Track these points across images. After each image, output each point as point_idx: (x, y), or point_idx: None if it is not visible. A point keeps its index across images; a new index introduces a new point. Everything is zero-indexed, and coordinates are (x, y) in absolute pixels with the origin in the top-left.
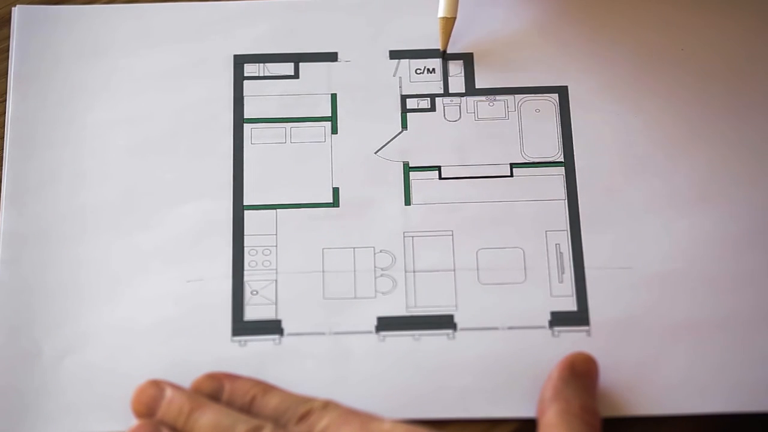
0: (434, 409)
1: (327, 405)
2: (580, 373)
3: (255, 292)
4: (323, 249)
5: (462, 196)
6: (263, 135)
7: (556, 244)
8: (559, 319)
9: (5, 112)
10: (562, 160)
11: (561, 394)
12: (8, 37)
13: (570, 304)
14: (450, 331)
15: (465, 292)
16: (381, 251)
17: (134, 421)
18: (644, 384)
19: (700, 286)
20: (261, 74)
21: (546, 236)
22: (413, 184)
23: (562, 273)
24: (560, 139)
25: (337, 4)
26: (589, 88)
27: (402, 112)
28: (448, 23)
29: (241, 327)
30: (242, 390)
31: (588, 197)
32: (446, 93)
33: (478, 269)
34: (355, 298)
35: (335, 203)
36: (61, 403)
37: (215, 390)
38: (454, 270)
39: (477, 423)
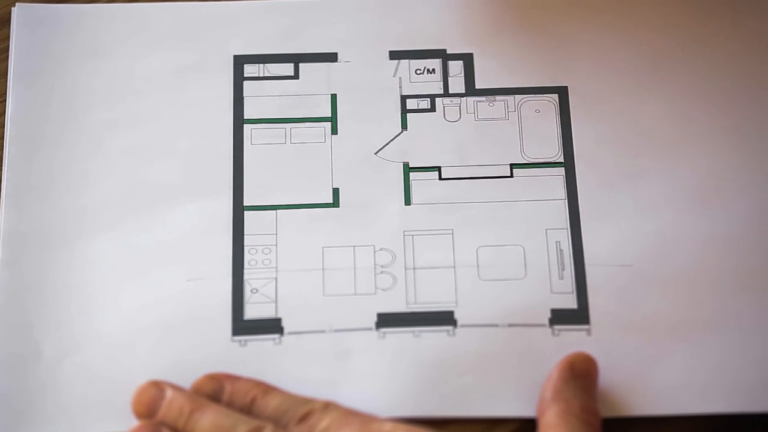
0: (434, 406)
1: (327, 406)
2: (580, 374)
3: (255, 291)
4: (323, 248)
5: (462, 197)
6: (263, 135)
7: (556, 242)
8: (559, 316)
9: (5, 112)
10: (562, 160)
11: (561, 394)
12: (8, 37)
13: (570, 302)
14: (450, 328)
15: (465, 289)
16: (381, 249)
17: (135, 422)
18: (644, 384)
19: (700, 286)
20: (261, 75)
21: (546, 234)
22: (413, 184)
23: (563, 269)
24: (560, 139)
25: (337, 4)
26: (589, 88)
27: (402, 113)
28: None
29: (241, 326)
30: (243, 391)
31: (588, 197)
32: (446, 93)
33: (478, 266)
34: (355, 294)
35: (335, 204)
36: (61, 404)
37: (216, 391)
38: (455, 267)
39: (477, 423)
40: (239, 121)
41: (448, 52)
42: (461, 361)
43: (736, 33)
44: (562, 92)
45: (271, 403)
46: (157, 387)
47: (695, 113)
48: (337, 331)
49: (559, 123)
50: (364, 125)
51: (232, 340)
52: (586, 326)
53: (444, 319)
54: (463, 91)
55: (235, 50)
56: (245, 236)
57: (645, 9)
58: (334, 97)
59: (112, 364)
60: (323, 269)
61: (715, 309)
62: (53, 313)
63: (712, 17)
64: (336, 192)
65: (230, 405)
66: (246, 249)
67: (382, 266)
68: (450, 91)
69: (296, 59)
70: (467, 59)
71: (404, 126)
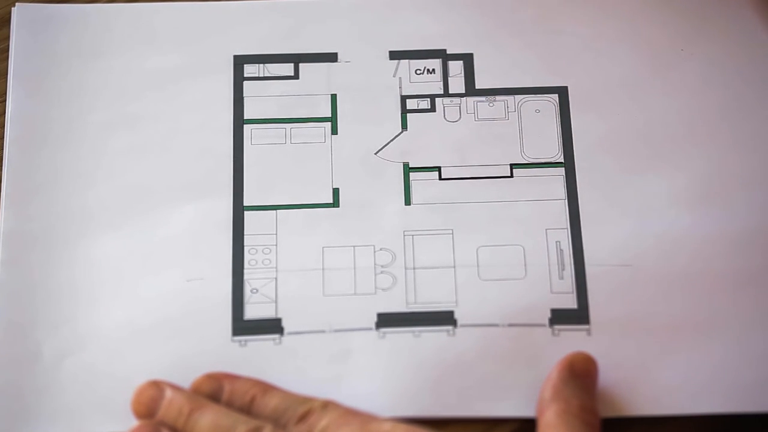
0: (434, 406)
1: (327, 405)
2: (580, 373)
3: (255, 291)
4: (323, 248)
5: (462, 197)
6: (263, 136)
7: (556, 242)
8: (559, 316)
9: (5, 112)
10: (562, 160)
11: (560, 394)
12: (8, 37)
13: (570, 302)
14: (450, 327)
15: (465, 288)
16: (381, 249)
17: (134, 422)
18: (644, 384)
19: (700, 286)
20: (261, 75)
21: (546, 234)
22: (413, 184)
23: (563, 269)
24: (560, 140)
25: (337, 5)
26: (589, 88)
27: (402, 113)
28: None
29: (242, 326)
30: (242, 390)
31: (588, 197)
32: (446, 93)
33: (478, 265)
34: (355, 294)
35: (335, 204)
36: (61, 404)
37: (215, 390)
38: (454, 266)
39: (477, 423)
40: (239, 121)
41: (448, 52)
42: (461, 361)
43: (736, 33)
44: (562, 92)
45: (270, 403)
46: (157, 387)
47: (695, 113)
48: (337, 331)
49: (559, 123)
50: (364, 125)
51: (232, 340)
52: (586, 326)
53: (444, 318)
54: (463, 91)
55: (235, 50)
56: (245, 236)
57: (645, 9)
58: (334, 97)
59: (112, 364)
60: (323, 269)
61: (715, 309)
62: (53, 313)
63: (712, 17)
64: (336, 192)
65: (229, 404)
66: (246, 249)
67: (382, 266)
68: (450, 91)
69: (296, 59)
70: (467, 59)
71: (404, 126)
